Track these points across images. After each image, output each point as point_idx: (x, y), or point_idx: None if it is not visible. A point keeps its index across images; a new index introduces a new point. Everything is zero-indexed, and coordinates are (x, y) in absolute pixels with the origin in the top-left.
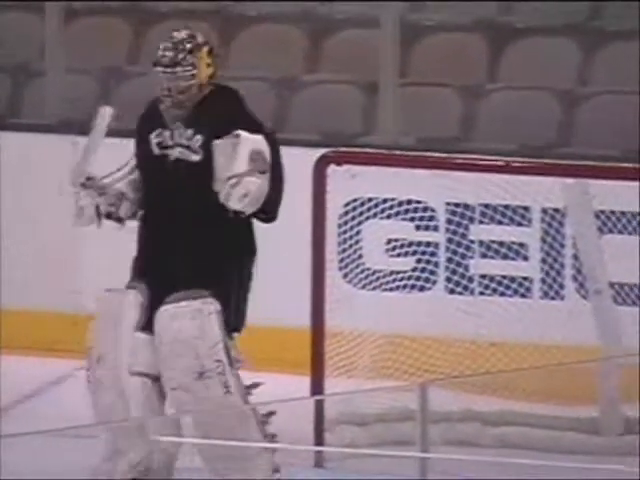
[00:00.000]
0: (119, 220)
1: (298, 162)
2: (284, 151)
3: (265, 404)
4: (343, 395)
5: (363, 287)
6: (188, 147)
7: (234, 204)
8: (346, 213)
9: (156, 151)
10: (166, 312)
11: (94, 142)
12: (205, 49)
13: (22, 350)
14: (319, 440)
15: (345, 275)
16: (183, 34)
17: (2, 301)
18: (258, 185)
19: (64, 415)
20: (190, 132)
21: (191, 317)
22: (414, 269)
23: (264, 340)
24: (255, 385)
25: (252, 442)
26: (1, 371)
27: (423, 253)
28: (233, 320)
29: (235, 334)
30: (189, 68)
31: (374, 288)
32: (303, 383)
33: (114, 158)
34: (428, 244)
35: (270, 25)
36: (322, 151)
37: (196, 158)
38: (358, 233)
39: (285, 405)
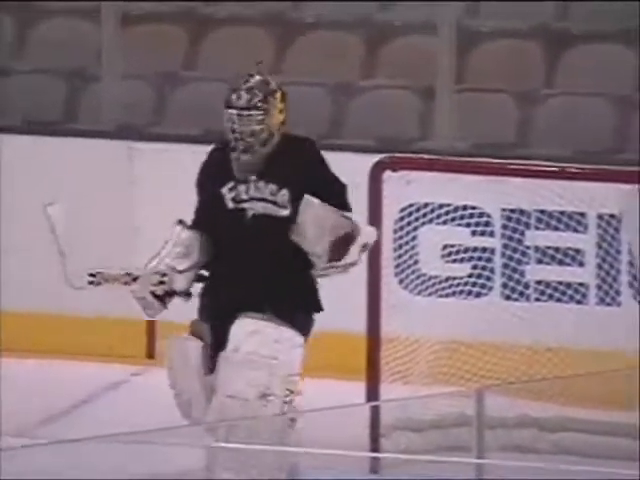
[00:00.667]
0: (184, 294)
1: (354, 168)
2: (341, 156)
3: (322, 410)
4: (399, 401)
5: (419, 293)
6: (274, 202)
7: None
8: (402, 219)
9: (230, 205)
10: (250, 322)
11: (60, 244)
12: (277, 95)
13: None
14: (375, 446)
15: (401, 281)
16: (257, 79)
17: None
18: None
19: (120, 420)
20: (274, 187)
21: (275, 340)
22: (470, 275)
23: (320, 346)
24: (294, 420)
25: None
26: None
27: (479, 259)
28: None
29: None
30: (262, 112)
31: (430, 294)
32: (359, 389)
33: (163, 162)
34: (484, 250)
35: (327, 31)
36: (378, 157)
37: (285, 213)
38: (414, 239)
39: (341, 411)
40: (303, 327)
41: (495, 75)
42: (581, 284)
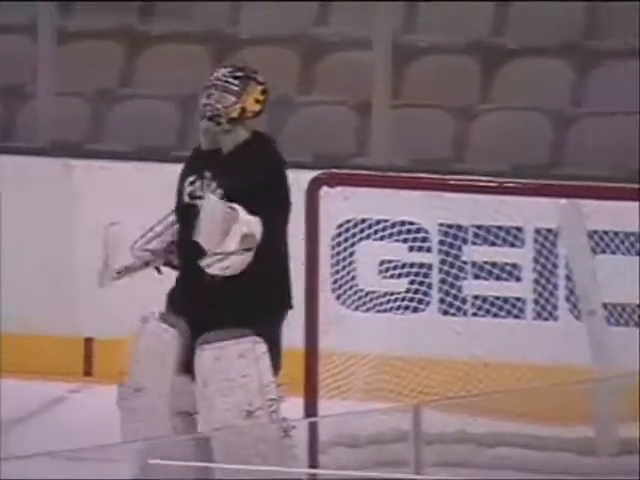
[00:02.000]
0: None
1: (291, 184)
2: None
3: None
4: (336, 417)
5: (356, 308)
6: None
7: (213, 271)
8: (339, 234)
9: (186, 200)
10: (209, 353)
11: (109, 260)
12: (260, 87)
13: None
14: (313, 462)
15: (338, 296)
16: (240, 64)
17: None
18: (241, 260)
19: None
20: (214, 184)
21: (238, 356)
22: (407, 290)
23: None
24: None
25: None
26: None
27: (416, 274)
28: (275, 361)
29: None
30: (238, 86)
31: (367, 309)
32: (296, 405)
33: (105, 179)
34: (421, 265)
35: (263, 47)
36: (315, 173)
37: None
38: (351, 254)
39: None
40: (264, 330)
41: (431, 90)
42: (518, 299)
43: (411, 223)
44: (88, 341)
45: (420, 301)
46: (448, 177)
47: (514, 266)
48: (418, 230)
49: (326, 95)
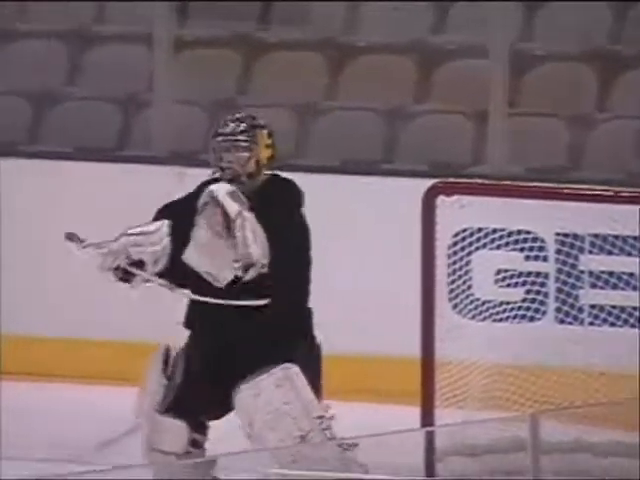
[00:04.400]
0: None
1: (407, 193)
2: (394, 182)
3: (376, 436)
4: (454, 426)
5: (473, 317)
6: None
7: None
8: (455, 244)
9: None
10: (245, 396)
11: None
12: (265, 131)
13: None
14: (430, 471)
15: (455, 306)
16: (244, 114)
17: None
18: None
19: None
20: None
21: (275, 386)
22: (524, 299)
23: (375, 371)
24: (355, 445)
25: None
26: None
27: (533, 283)
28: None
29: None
30: (248, 140)
31: (484, 319)
32: (413, 414)
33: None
34: (538, 274)
35: (379, 55)
36: (431, 182)
37: None
38: (468, 264)
39: (396, 436)
40: (289, 353)
41: (548, 99)
42: (635, 308)
43: (527, 232)
44: None
45: (536, 310)
46: (564, 186)
47: (631, 275)
48: (534, 239)
49: (442, 104)
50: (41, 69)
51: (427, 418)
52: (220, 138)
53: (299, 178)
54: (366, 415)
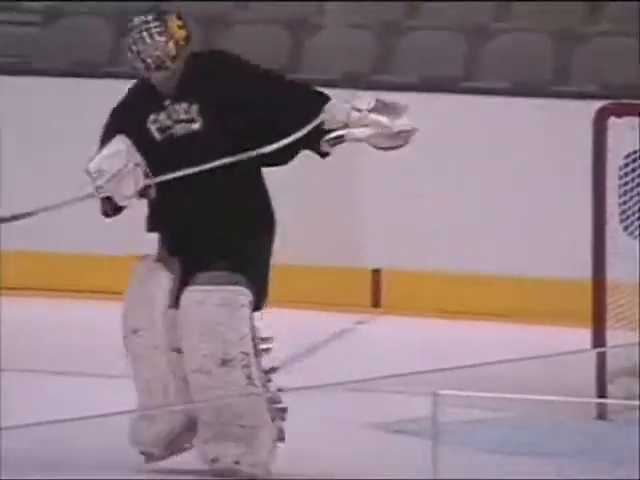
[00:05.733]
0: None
1: (577, 115)
2: (564, 103)
3: (548, 357)
4: (625, 347)
5: None
6: (188, 120)
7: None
8: (626, 165)
9: (158, 137)
10: (193, 295)
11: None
12: (173, 15)
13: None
14: (601, 392)
15: (626, 227)
16: (145, 9)
17: None
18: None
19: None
20: (185, 105)
21: (219, 304)
22: None
23: (545, 292)
24: (273, 370)
25: (258, 419)
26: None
27: None
28: (256, 300)
29: (257, 312)
30: (159, 24)
31: None
32: (584, 335)
33: None
34: None
35: None
36: (602, 103)
37: (196, 126)
38: (639, 185)
39: (567, 357)
40: (251, 282)
41: None
42: None
43: None
44: (375, 272)
45: None
46: None
47: None
48: None
49: (614, 25)
50: None
51: (598, 339)
52: (133, 32)
53: (469, 100)
54: (538, 337)
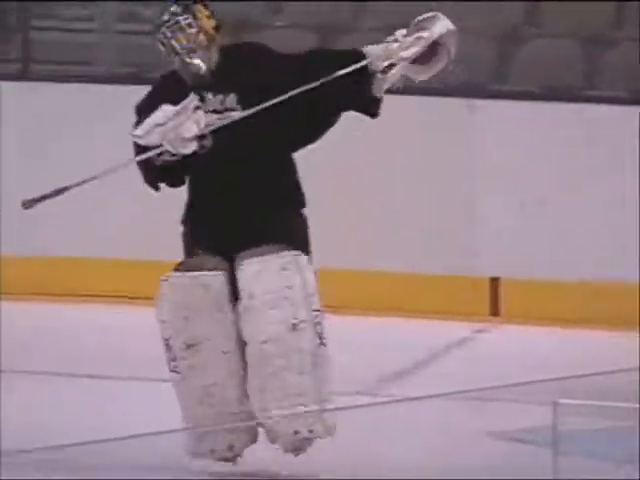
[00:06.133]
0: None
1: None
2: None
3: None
4: None
5: None
6: (226, 109)
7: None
8: None
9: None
10: (251, 267)
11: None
12: (199, 5)
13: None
14: None
15: None
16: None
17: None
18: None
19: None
20: (220, 96)
21: (281, 269)
22: None
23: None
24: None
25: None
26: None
27: None
28: None
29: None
30: (188, 16)
31: None
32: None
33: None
34: None
35: None
36: None
37: (234, 114)
38: None
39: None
40: (301, 243)
41: None
42: None
43: None
44: (494, 281)
45: None
46: None
47: None
48: None
49: None
50: None
51: None
52: (163, 29)
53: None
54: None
